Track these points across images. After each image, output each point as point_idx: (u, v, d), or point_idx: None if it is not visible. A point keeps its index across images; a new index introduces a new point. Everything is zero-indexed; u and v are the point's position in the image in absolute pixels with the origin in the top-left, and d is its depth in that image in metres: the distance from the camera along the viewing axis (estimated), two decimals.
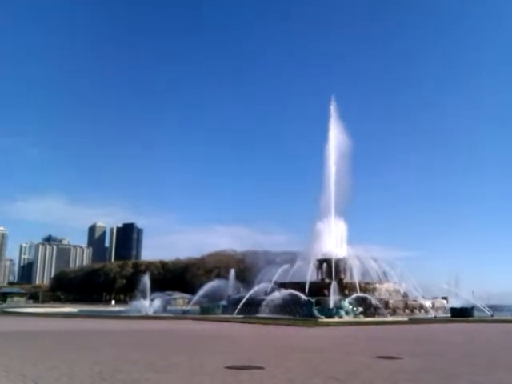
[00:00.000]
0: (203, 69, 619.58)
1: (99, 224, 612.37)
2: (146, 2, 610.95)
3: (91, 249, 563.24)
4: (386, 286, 52.88)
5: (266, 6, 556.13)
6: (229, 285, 62.15)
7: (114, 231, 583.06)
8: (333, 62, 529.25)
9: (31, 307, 78.08)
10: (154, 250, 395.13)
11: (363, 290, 48.31)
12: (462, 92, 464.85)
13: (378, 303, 44.92)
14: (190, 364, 13.05)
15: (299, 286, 47.92)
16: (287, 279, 53.15)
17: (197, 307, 53.56)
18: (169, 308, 57.12)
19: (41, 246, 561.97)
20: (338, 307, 40.41)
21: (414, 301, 49.35)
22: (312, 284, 49.02)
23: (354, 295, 44.90)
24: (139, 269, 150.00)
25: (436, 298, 52.43)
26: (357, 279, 50.84)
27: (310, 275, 51.65)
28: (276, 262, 63.38)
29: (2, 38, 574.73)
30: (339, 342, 22.20)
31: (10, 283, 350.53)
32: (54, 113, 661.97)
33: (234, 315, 44.77)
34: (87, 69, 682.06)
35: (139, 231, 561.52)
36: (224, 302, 53.63)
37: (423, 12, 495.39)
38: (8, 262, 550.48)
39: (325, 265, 55.45)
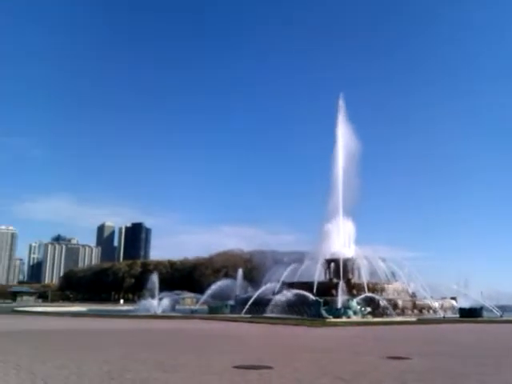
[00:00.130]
0: (204, 71, 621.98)
1: (108, 224, 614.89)
2: (147, 6, 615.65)
3: (100, 248, 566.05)
4: (394, 286, 52.66)
5: (267, 12, 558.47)
6: (237, 284, 62.23)
7: (123, 231, 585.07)
8: (336, 64, 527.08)
9: (40, 306, 78.52)
10: (162, 249, 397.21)
11: (371, 290, 48.13)
12: (461, 97, 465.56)
13: (386, 303, 44.77)
14: (199, 363, 13.09)
15: (307, 285, 47.85)
16: (295, 279, 53.10)
17: (205, 307, 53.68)
18: (177, 307, 57.31)
19: (50, 246, 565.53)
20: (346, 307, 40.28)
21: (423, 301, 49.12)
22: (320, 284, 48.93)
23: (362, 295, 44.75)
24: (148, 268, 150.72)
25: (445, 298, 52.17)
26: (365, 279, 50.71)
27: (318, 275, 51.56)
28: (284, 261, 63.37)
29: (2, 38, 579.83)
30: (347, 342, 22.15)
31: (20, 282, 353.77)
32: (56, 113, 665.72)
33: (242, 315, 44.82)
34: (88, 69, 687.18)
35: (148, 231, 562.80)
36: (232, 302, 53.69)
37: (425, 21, 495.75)
38: (18, 262, 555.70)
39: (333, 265, 55.30)
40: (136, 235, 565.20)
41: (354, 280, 52.16)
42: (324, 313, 39.30)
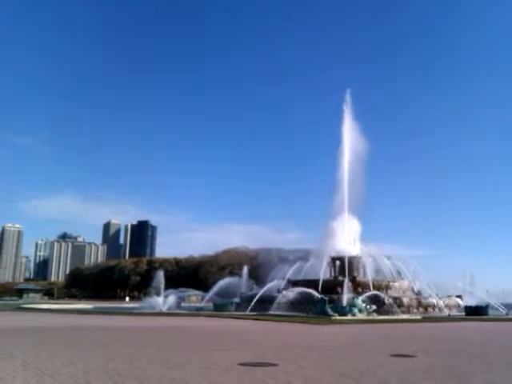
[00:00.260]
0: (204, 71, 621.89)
1: (114, 221, 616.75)
2: (146, 5, 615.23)
3: (106, 246, 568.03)
4: (399, 284, 52.55)
5: (267, 12, 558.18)
6: (242, 282, 62.32)
7: (129, 228, 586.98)
8: (337, 64, 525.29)
9: (46, 303, 79.10)
10: (167, 247, 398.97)
11: (376, 287, 48.03)
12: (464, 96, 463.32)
13: (391, 301, 44.68)
14: (204, 360, 13.12)
15: (312, 283, 47.85)
16: (300, 277, 53.16)
17: (210, 304, 53.79)
18: (182, 305, 57.44)
19: (56, 243, 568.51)
20: (352, 305, 40.21)
21: (428, 299, 48.99)
22: (325, 282, 48.88)
23: (368, 293, 44.64)
24: (153, 266, 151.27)
25: (450, 296, 52.02)
26: (370, 277, 50.62)
27: (323, 273, 51.55)
28: (289, 259, 63.43)
29: (2, 37, 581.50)
30: (353, 339, 22.13)
31: (26, 280, 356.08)
32: (63, 112, 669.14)
33: (247, 312, 44.90)
34: (88, 69, 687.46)
35: (153, 228, 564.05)
36: (237, 300, 53.80)
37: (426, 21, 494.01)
38: (24, 259, 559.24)
39: (338, 262, 55.22)
40: (142, 233, 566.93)
41: (360, 278, 52.12)
42: (329, 311, 39.24)
